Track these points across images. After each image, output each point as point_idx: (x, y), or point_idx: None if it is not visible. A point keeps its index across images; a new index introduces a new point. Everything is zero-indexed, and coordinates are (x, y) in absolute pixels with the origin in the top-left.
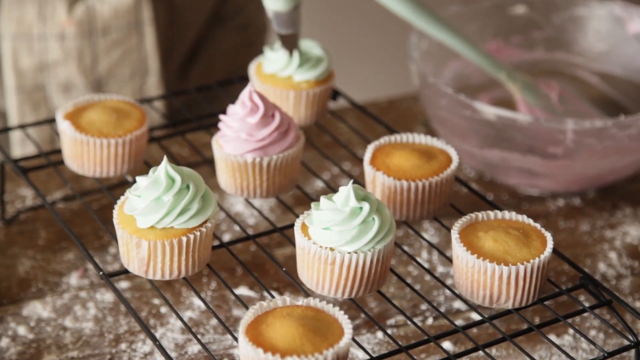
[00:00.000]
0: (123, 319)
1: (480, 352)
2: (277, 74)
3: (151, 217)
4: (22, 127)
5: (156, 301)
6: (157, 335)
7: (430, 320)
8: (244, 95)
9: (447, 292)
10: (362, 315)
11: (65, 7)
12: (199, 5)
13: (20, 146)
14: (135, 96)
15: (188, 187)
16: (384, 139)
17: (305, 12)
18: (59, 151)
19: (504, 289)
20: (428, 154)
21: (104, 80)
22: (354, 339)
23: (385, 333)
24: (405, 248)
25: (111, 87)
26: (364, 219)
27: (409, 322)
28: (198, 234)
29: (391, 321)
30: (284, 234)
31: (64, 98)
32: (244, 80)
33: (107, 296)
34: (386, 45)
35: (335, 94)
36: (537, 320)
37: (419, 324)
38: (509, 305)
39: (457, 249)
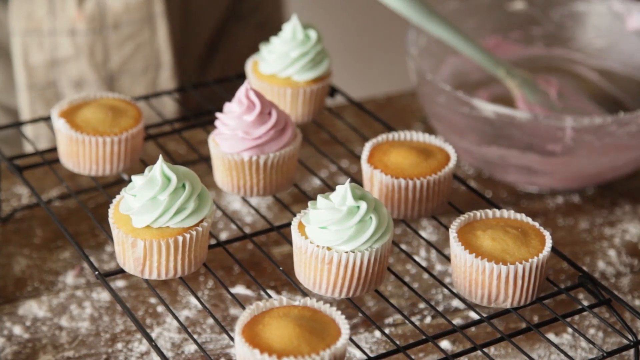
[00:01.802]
0: (119, 319)
1: (479, 352)
2: (277, 75)
3: (147, 217)
4: (18, 125)
5: (153, 300)
6: (154, 334)
7: (428, 319)
8: (240, 93)
9: (446, 290)
10: (360, 315)
11: (75, 1)
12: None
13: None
14: (148, 90)
15: (184, 186)
16: (382, 137)
17: (302, 9)
18: (54, 149)
19: (503, 288)
20: (426, 152)
21: (116, 75)
22: (351, 339)
23: (383, 333)
24: (403, 246)
25: (124, 82)
26: (361, 218)
27: (406, 321)
28: (194, 233)
29: (389, 320)
30: (281, 232)
31: (76, 94)
32: (241, 77)
33: (103, 295)
34: (384, 42)
35: (332, 91)
36: (535, 319)
37: (417, 323)
38: (508, 305)
39: (455, 248)
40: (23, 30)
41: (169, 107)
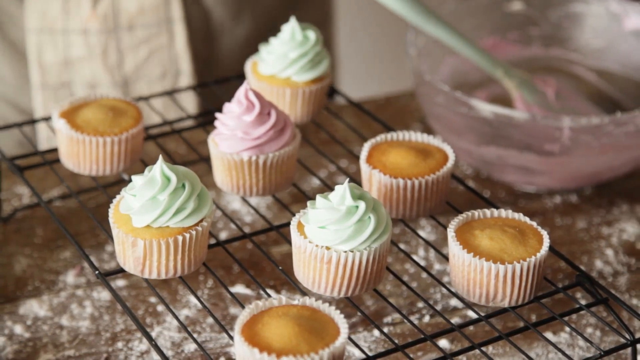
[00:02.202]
0: (120, 318)
1: (477, 350)
2: (276, 76)
3: (147, 217)
4: (19, 125)
5: (153, 299)
6: (154, 333)
7: (427, 318)
8: (240, 93)
9: (444, 289)
10: (359, 314)
11: (90, 1)
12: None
13: (47, 142)
14: (165, 97)
15: (184, 186)
16: (380, 137)
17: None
18: (55, 150)
19: (500, 287)
20: (424, 152)
21: (132, 79)
22: (350, 338)
23: (382, 332)
24: (402, 246)
25: (139, 87)
26: (359, 218)
27: (405, 320)
28: (194, 233)
29: (388, 319)
30: (281, 232)
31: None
32: (241, 78)
33: (103, 294)
34: (383, 43)
35: (332, 92)
36: (533, 318)
37: (416, 322)
38: (506, 304)
39: (454, 248)
40: (37, 28)
41: (189, 109)
